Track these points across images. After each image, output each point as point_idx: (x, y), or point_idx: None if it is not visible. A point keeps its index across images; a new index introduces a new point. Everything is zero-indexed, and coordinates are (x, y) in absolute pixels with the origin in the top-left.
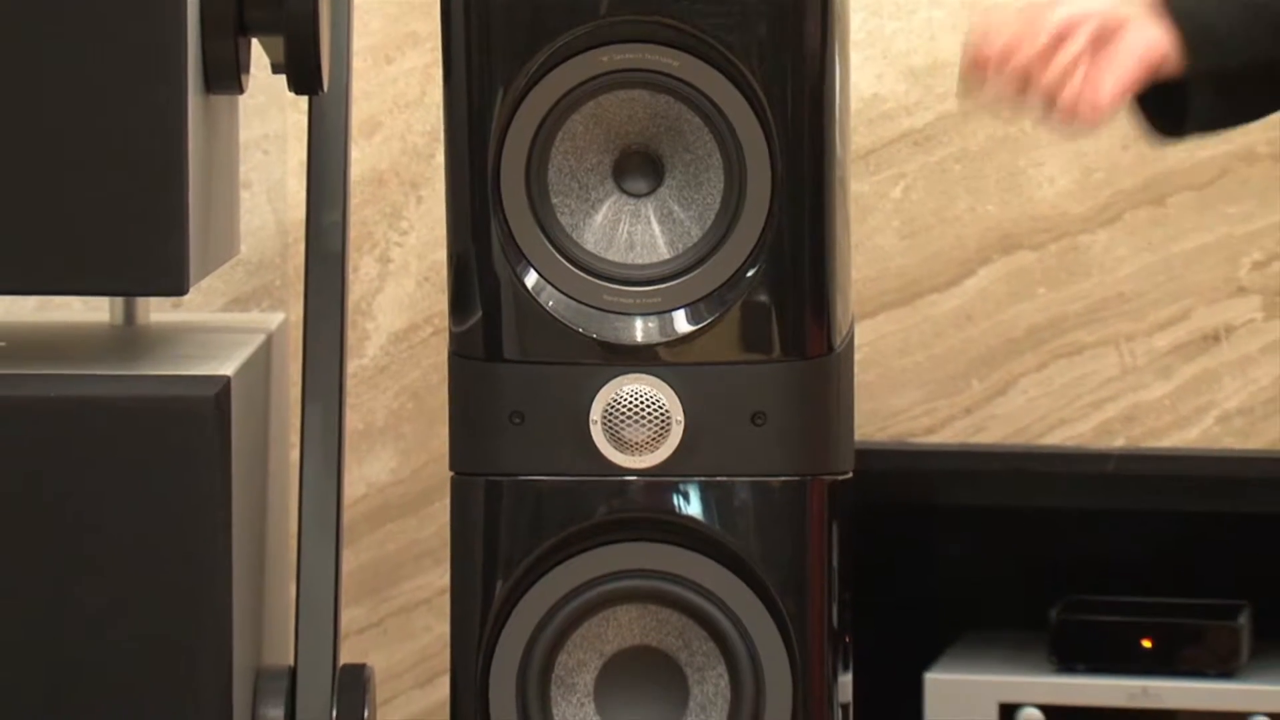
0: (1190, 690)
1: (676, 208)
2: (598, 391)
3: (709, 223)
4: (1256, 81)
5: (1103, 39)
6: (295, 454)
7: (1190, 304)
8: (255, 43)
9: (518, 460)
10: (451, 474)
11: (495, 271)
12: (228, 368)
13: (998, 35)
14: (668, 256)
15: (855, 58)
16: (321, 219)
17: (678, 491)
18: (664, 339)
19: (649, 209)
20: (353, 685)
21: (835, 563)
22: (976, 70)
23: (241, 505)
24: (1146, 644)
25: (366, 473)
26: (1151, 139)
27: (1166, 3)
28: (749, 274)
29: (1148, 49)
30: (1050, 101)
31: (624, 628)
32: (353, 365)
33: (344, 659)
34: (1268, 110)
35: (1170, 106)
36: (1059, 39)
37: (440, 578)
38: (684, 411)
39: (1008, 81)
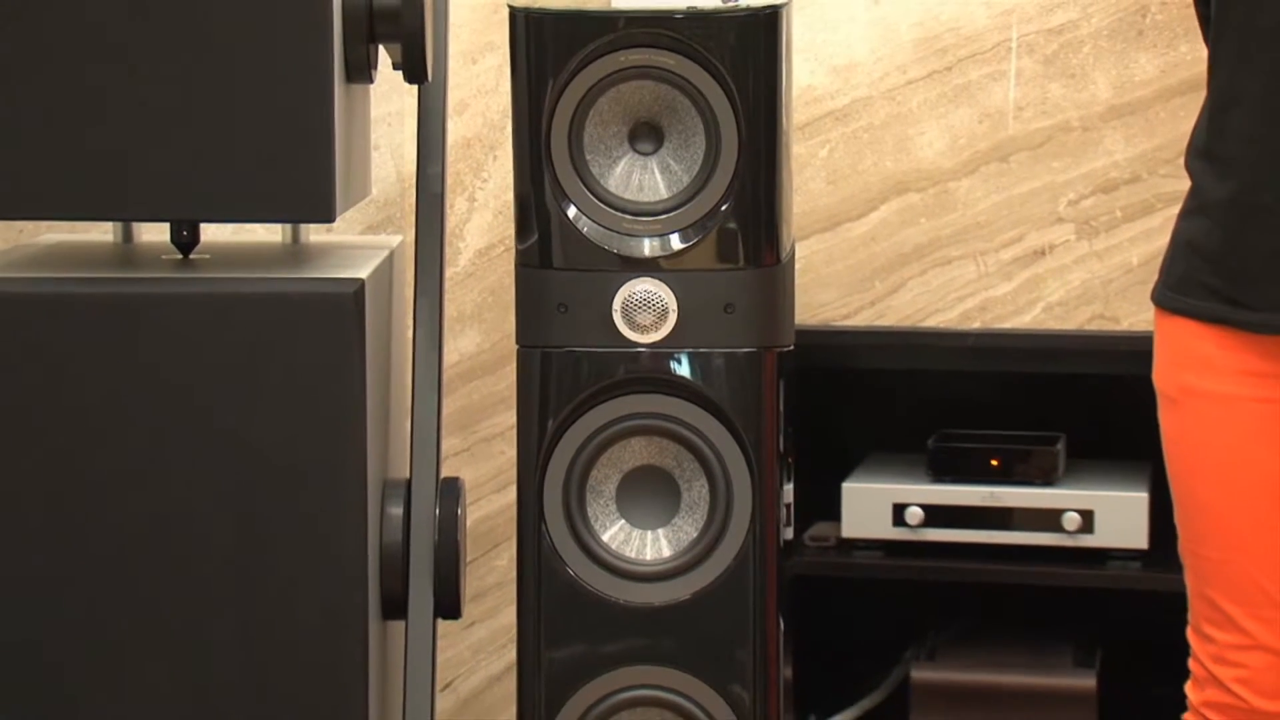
0: (1024, 494)
1: (673, 162)
2: (618, 290)
3: (695, 173)
4: None
5: None
6: (410, 333)
7: (1025, 230)
8: (381, 48)
9: (563, 337)
10: (517, 347)
11: (547, 207)
12: (363, 272)
13: None
14: (666, 196)
15: (796, 58)
16: (428, 171)
17: (673, 359)
18: (664, 253)
19: (653, 163)
20: (450, 491)
21: (781, 407)
22: None
23: (373, 368)
24: (994, 463)
25: (459, 345)
26: None
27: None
28: (723, 208)
29: None
30: None
31: (636, 453)
32: (449, 271)
33: (444, 473)
34: None
35: None
36: None
37: (510, 418)
38: (678, 303)
39: None
